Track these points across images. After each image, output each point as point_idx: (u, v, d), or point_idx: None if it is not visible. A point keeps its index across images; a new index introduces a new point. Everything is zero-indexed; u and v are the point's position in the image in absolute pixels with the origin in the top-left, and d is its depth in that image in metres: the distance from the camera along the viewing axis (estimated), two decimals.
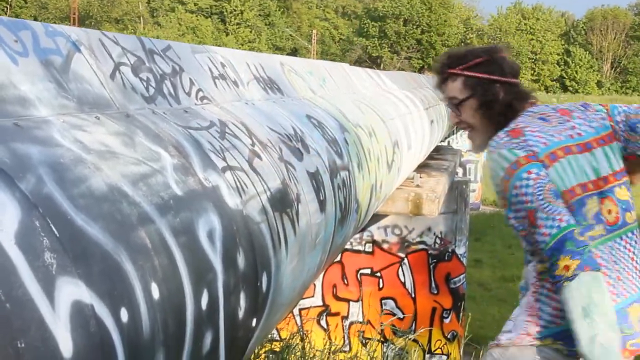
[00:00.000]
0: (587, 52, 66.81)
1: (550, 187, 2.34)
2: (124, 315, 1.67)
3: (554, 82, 66.72)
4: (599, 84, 67.20)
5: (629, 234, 2.53)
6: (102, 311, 1.59)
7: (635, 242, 2.54)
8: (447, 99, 2.65)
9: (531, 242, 2.37)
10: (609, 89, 67.18)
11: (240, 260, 2.40)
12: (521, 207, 2.33)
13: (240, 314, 2.41)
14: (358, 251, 9.38)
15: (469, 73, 2.56)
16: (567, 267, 2.24)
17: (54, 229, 1.55)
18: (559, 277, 2.25)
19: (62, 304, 1.47)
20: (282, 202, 2.96)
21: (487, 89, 2.54)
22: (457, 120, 2.64)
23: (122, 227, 1.80)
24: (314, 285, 9.19)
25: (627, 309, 2.44)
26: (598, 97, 61.06)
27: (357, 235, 9.23)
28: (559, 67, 67.06)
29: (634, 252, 2.52)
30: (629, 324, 2.42)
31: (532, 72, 66.19)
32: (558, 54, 66.89)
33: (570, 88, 65.87)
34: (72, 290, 1.51)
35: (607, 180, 2.49)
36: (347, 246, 9.19)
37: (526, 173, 2.33)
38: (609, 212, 2.49)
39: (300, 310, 8.93)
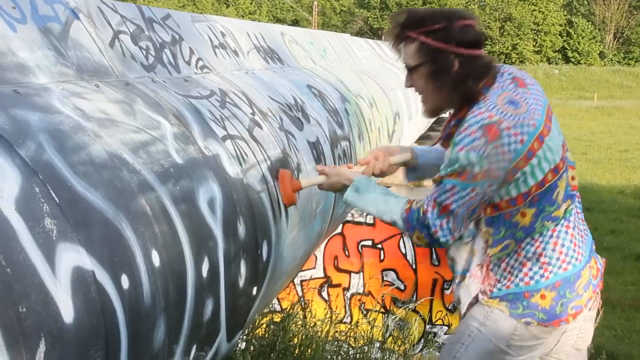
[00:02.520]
0: (590, 23, 66.36)
1: (476, 206, 2.37)
2: (125, 281, 1.68)
3: (556, 54, 66.35)
4: (602, 55, 66.81)
5: (577, 195, 2.64)
6: (103, 277, 1.59)
7: (579, 202, 2.64)
8: (402, 61, 2.51)
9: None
10: (611, 59, 66.79)
11: (241, 229, 2.41)
12: (444, 198, 2.35)
13: (241, 282, 2.42)
14: (359, 223, 9.39)
15: (424, 39, 2.41)
16: (418, 238, 2.44)
17: (54, 195, 1.55)
18: (411, 228, 2.43)
19: (63, 270, 1.47)
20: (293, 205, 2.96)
21: (441, 59, 2.40)
22: (409, 84, 2.52)
23: (122, 194, 1.80)
24: (315, 256, 9.22)
25: (581, 272, 2.52)
26: (600, 68, 60.79)
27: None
28: (561, 38, 66.60)
29: (579, 213, 2.62)
30: (574, 288, 2.50)
31: (534, 43, 65.81)
32: (560, 25, 66.41)
33: (573, 59, 65.51)
34: (73, 256, 1.52)
35: (564, 149, 2.52)
36: (349, 218, 9.20)
37: (471, 189, 2.31)
38: (572, 178, 2.55)
39: (301, 281, 8.97)
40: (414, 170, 2.86)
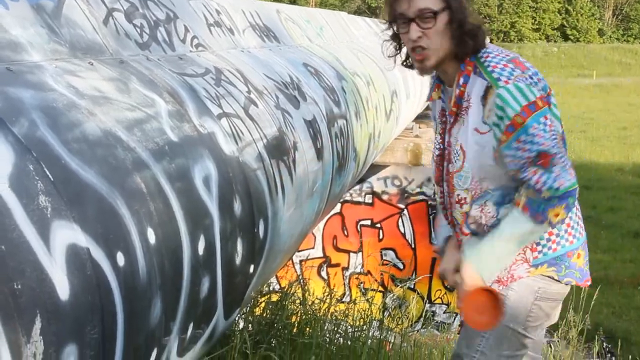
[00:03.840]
0: (589, 0, 66.17)
1: (561, 135, 2.35)
2: (120, 258, 1.68)
3: (555, 31, 66.11)
4: (601, 32, 66.56)
5: None
6: (98, 254, 1.59)
7: None
8: (416, 10, 2.37)
9: (516, 181, 2.37)
10: (610, 37, 66.54)
11: (237, 207, 2.41)
12: (532, 148, 2.28)
13: (238, 259, 2.42)
14: (358, 202, 9.40)
15: None
16: (556, 215, 2.30)
17: (48, 172, 1.55)
18: (543, 214, 2.30)
19: (58, 247, 1.47)
20: (278, 149, 2.96)
21: (462, 5, 2.36)
22: (419, 35, 2.37)
23: (116, 171, 1.80)
24: (314, 236, 9.24)
25: (577, 251, 2.53)
26: (599, 46, 60.58)
27: (357, 187, 9.25)
28: (560, 15, 66.35)
29: None
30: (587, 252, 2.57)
31: (533, 21, 65.53)
32: (559, 2, 66.16)
33: (572, 37, 65.26)
34: (68, 233, 1.52)
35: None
36: (347, 197, 9.21)
37: (543, 117, 2.27)
38: None
39: (300, 261, 8.99)
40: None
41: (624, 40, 66.36)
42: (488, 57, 2.35)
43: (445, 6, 2.36)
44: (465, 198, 2.48)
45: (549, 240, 2.47)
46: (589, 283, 2.58)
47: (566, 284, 2.51)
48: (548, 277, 2.48)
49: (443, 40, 2.38)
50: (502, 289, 2.51)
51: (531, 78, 2.29)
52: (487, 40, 2.49)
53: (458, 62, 2.40)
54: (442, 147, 2.54)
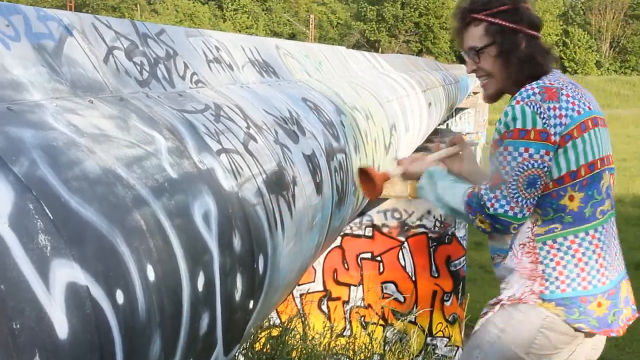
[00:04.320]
0: (586, 33, 66.63)
1: (533, 173, 2.34)
2: (120, 296, 1.68)
3: (553, 63, 66.57)
4: (598, 64, 67.00)
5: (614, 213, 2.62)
6: (98, 293, 1.59)
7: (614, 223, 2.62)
8: (466, 46, 2.58)
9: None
10: (608, 69, 66.98)
11: (237, 242, 2.41)
12: (497, 166, 2.38)
13: (237, 295, 2.42)
14: (358, 235, 9.38)
15: (492, 19, 2.48)
16: (481, 222, 2.42)
17: (47, 211, 1.55)
18: (473, 211, 2.43)
19: (57, 286, 1.48)
20: (278, 184, 2.97)
21: (509, 38, 2.46)
22: (474, 68, 2.58)
23: (116, 209, 1.81)
24: (315, 270, 9.21)
25: (619, 285, 2.51)
26: (597, 78, 60.95)
27: (357, 220, 9.24)
28: (558, 48, 66.86)
29: (615, 232, 2.60)
30: (620, 299, 2.49)
31: None
32: (557, 35, 66.70)
33: (569, 69, 65.71)
34: (67, 272, 1.52)
35: (610, 158, 2.55)
36: (347, 230, 9.20)
37: (524, 149, 2.31)
38: (612, 188, 2.54)
39: (300, 295, 8.96)
40: None
41: (622, 72, 66.79)
42: (539, 81, 2.44)
43: (490, 42, 2.50)
44: None
45: (557, 278, 2.44)
46: (613, 334, 2.51)
47: (577, 329, 2.44)
48: (556, 314, 2.44)
49: (496, 71, 2.52)
50: (509, 307, 2.51)
51: (549, 109, 2.33)
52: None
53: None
54: None
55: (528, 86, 2.39)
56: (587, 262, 2.43)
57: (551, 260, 2.44)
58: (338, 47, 7.67)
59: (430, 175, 2.62)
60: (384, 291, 9.26)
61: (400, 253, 9.37)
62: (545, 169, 2.36)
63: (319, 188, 3.54)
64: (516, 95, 2.39)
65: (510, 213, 2.36)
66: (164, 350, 1.88)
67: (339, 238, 9.01)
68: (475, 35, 2.53)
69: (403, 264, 9.33)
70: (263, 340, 4.10)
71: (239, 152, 2.74)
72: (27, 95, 1.89)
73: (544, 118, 2.32)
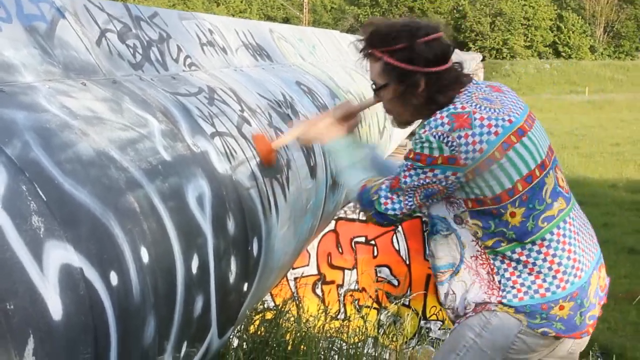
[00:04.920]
0: (580, 17, 66.49)
1: (431, 187, 2.33)
2: (114, 278, 1.68)
3: (547, 48, 66.48)
4: (592, 49, 66.90)
5: (575, 202, 2.55)
6: (92, 274, 1.60)
7: (578, 209, 2.56)
8: (370, 77, 2.50)
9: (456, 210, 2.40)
10: (602, 53, 66.88)
11: (231, 225, 2.41)
12: (399, 172, 2.39)
13: (232, 278, 2.42)
14: (352, 219, 9.40)
15: (388, 59, 2.35)
16: (365, 211, 2.53)
17: (41, 193, 1.55)
18: (361, 199, 2.52)
19: (51, 267, 1.48)
20: (272, 167, 2.97)
21: (406, 79, 2.34)
22: (376, 100, 2.52)
23: (110, 191, 1.80)
24: (309, 253, 9.23)
25: (590, 279, 2.45)
26: (591, 62, 60.89)
27: (351, 204, 9.25)
28: (552, 32, 66.74)
29: (582, 219, 2.54)
30: (587, 297, 2.43)
31: (525, 38, 65.88)
32: (551, 20, 66.51)
33: (563, 54, 65.58)
34: (61, 253, 1.52)
35: (551, 151, 2.47)
36: (341, 214, 9.21)
37: (429, 169, 2.28)
38: (562, 180, 2.47)
39: (295, 278, 8.98)
40: None
41: (616, 56, 66.76)
42: (448, 106, 2.34)
43: (386, 82, 2.42)
44: None
45: (513, 287, 2.39)
46: (583, 336, 2.46)
47: (542, 334, 2.39)
48: (518, 320, 2.39)
49: (398, 107, 2.48)
50: (485, 314, 2.44)
51: (459, 138, 2.23)
52: (486, 83, 2.49)
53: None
54: None
55: (438, 114, 2.29)
56: (539, 271, 2.36)
57: (505, 270, 2.39)
58: (332, 31, 7.65)
59: (328, 152, 2.72)
60: (378, 275, 9.28)
61: (394, 237, 9.38)
62: (449, 186, 2.32)
63: (313, 172, 3.54)
64: (425, 123, 2.31)
65: (399, 215, 2.47)
66: (159, 332, 1.88)
67: (333, 222, 9.02)
68: (374, 71, 2.44)
69: (397, 248, 9.34)
70: (257, 323, 4.11)
71: (233, 136, 2.74)
72: (19, 77, 1.88)
73: (452, 146, 2.23)
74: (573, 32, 66.28)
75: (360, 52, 2.46)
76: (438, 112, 2.31)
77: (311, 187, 3.49)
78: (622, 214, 15.85)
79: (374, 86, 2.49)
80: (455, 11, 70.47)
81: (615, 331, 9.47)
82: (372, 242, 9.38)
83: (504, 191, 2.29)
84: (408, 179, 2.36)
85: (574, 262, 2.40)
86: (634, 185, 18.75)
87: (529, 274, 2.37)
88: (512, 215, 2.32)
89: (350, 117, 2.74)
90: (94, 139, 1.89)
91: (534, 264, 2.36)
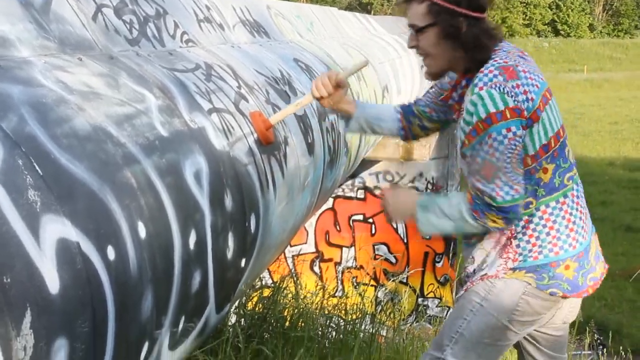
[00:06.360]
0: None
1: (519, 151, 2.33)
2: (111, 253, 1.68)
3: (546, 27, 66.23)
4: (591, 27, 66.68)
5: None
6: (89, 249, 1.60)
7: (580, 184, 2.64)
8: (408, 21, 2.49)
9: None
10: (601, 32, 66.66)
11: (228, 201, 2.41)
12: (483, 157, 2.32)
13: (229, 254, 2.42)
14: (350, 198, 9.41)
15: None
16: (493, 222, 2.39)
17: (37, 167, 1.55)
18: (481, 214, 2.39)
19: (48, 241, 1.48)
20: (269, 144, 2.96)
21: (451, 20, 2.36)
22: (414, 44, 2.50)
23: (107, 166, 1.80)
24: (307, 231, 9.25)
25: (590, 243, 2.54)
26: (590, 41, 60.71)
27: (349, 182, 9.27)
28: (551, 10, 66.48)
29: (582, 192, 2.63)
30: (588, 259, 2.51)
31: (524, 16, 65.64)
32: None
33: (562, 32, 65.35)
34: (58, 227, 1.52)
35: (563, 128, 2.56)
36: (339, 192, 9.22)
37: (506, 130, 2.27)
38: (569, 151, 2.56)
39: (293, 256, 9.00)
40: (348, 121, 2.90)
41: (615, 35, 66.55)
42: (489, 62, 2.37)
43: (430, 23, 2.41)
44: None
45: (531, 250, 2.47)
46: (584, 295, 2.55)
47: (551, 294, 2.48)
48: (527, 282, 2.47)
49: (437, 53, 2.45)
50: (491, 279, 2.52)
51: (513, 88, 2.28)
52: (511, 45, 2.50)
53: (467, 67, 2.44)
54: None
55: (485, 70, 2.34)
56: (558, 229, 2.46)
57: (524, 234, 2.47)
58: (330, 8, 7.61)
59: (424, 206, 2.54)
60: (376, 252, 9.31)
61: None
62: (522, 143, 2.36)
63: (310, 148, 3.54)
64: (476, 81, 2.33)
65: (517, 196, 2.36)
66: (156, 307, 1.89)
67: (331, 200, 9.04)
68: (417, 13, 2.44)
69: (395, 226, 9.37)
70: (255, 299, 4.12)
71: (231, 112, 2.73)
72: (15, 51, 1.87)
73: (512, 96, 2.28)
74: (572, 10, 66.02)
75: None
76: (483, 68, 2.35)
77: (309, 163, 3.49)
78: (619, 192, 15.90)
79: (413, 29, 2.47)
80: None
81: (612, 308, 9.52)
82: (370, 220, 9.40)
83: (541, 146, 2.38)
84: (497, 154, 2.31)
85: (583, 223, 2.52)
86: (631, 164, 18.78)
87: (547, 233, 2.45)
88: (545, 171, 2.42)
89: (339, 86, 2.77)
90: (91, 114, 1.88)
91: (554, 221, 2.45)
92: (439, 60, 2.49)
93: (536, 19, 66.20)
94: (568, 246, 2.47)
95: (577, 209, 2.50)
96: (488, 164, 2.32)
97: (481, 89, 2.30)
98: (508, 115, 2.27)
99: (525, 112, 2.30)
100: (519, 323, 2.53)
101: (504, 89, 2.27)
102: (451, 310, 2.64)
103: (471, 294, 2.57)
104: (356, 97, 5.12)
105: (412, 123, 2.86)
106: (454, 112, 2.65)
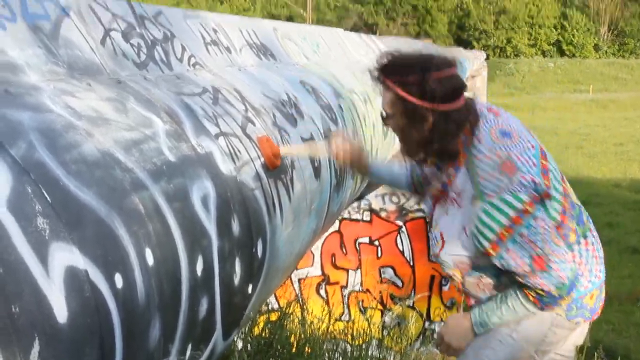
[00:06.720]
0: (584, 15, 66.36)
1: (553, 225, 2.32)
2: (119, 280, 1.67)
3: (551, 47, 66.39)
4: (596, 48, 66.76)
5: None
6: (97, 276, 1.59)
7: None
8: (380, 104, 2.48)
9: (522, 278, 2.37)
10: (606, 52, 66.72)
11: (235, 226, 2.40)
12: (524, 254, 2.29)
13: (236, 280, 2.41)
14: (356, 220, 9.38)
15: (399, 91, 2.32)
16: (565, 302, 2.40)
17: (46, 194, 1.54)
18: (554, 304, 2.39)
19: (56, 269, 1.47)
20: (276, 169, 2.95)
21: (414, 113, 2.31)
22: (386, 125, 2.50)
23: (115, 193, 1.79)
24: (313, 254, 9.22)
25: (590, 293, 2.53)
26: (595, 61, 60.77)
27: (355, 204, 9.25)
28: (556, 31, 66.64)
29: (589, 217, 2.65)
30: (603, 288, 2.56)
31: (529, 36, 65.82)
32: (555, 18, 66.43)
33: (567, 52, 65.48)
34: (66, 255, 1.51)
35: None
36: (345, 215, 9.20)
37: (534, 220, 2.26)
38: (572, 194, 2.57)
39: (299, 279, 8.97)
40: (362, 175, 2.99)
41: (620, 55, 66.64)
42: (479, 159, 2.32)
43: (394, 113, 2.39)
44: (454, 274, 2.54)
45: None
46: (597, 316, 2.59)
47: (577, 323, 2.52)
48: (557, 314, 2.48)
49: (404, 138, 2.44)
50: None
51: (521, 182, 2.26)
52: (481, 103, 2.47)
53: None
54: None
55: (487, 176, 2.29)
56: (588, 260, 2.49)
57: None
58: (336, 29, 7.63)
59: (482, 324, 2.52)
60: (382, 276, 9.27)
61: (399, 237, 9.37)
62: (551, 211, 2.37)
63: (317, 172, 3.53)
64: (481, 189, 2.29)
65: (572, 265, 2.37)
66: (164, 334, 1.87)
67: (337, 222, 9.01)
68: (385, 100, 2.41)
69: (401, 249, 9.33)
70: (262, 324, 4.10)
71: (237, 136, 2.73)
72: (24, 77, 1.87)
73: (523, 191, 2.26)
74: (577, 31, 66.18)
75: (374, 79, 2.44)
76: (483, 173, 2.30)
77: (316, 187, 3.48)
78: (625, 213, 15.81)
79: (383, 114, 2.45)
80: (459, 9, 70.41)
81: (619, 332, 9.45)
82: (376, 242, 9.37)
83: (561, 213, 2.37)
84: (539, 242, 2.28)
85: (601, 251, 2.56)
86: (637, 185, 18.72)
87: (581, 274, 2.45)
88: (573, 231, 2.44)
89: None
90: (99, 139, 1.88)
91: (585, 263, 2.47)
92: (406, 144, 2.46)
93: (541, 39, 66.36)
94: (594, 278, 2.50)
95: (596, 240, 2.53)
96: (536, 257, 2.30)
97: (491, 197, 2.28)
98: (529, 209, 2.27)
99: (538, 195, 2.29)
100: (543, 352, 2.53)
101: (513, 189, 2.26)
102: (474, 340, 2.60)
103: (501, 340, 2.55)
104: (362, 119, 5.12)
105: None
106: (434, 197, 2.56)
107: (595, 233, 2.56)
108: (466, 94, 2.41)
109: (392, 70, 2.37)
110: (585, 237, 2.49)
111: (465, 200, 2.37)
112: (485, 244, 2.32)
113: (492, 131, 2.35)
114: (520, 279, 2.35)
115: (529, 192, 2.26)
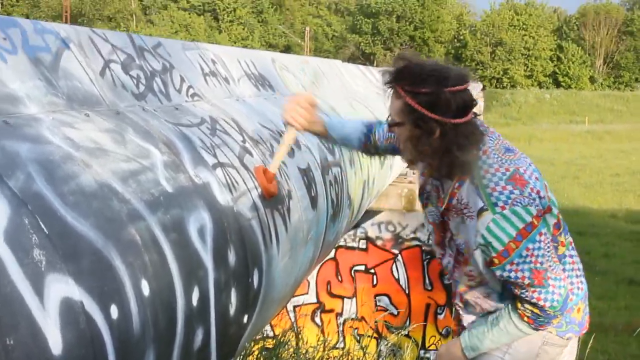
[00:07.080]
0: (580, 48, 66.88)
1: (553, 243, 2.40)
2: (114, 311, 1.67)
3: (547, 78, 66.84)
4: (592, 80, 67.25)
5: None
6: (92, 308, 1.59)
7: None
8: (388, 109, 2.44)
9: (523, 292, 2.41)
10: (601, 84, 67.20)
11: (231, 257, 2.41)
12: (525, 268, 2.32)
13: (232, 310, 2.41)
14: (352, 248, 9.38)
15: (409, 100, 2.28)
16: (557, 321, 2.48)
17: (43, 226, 1.55)
18: (547, 324, 2.47)
19: (52, 301, 1.47)
20: (273, 198, 2.96)
21: (423, 124, 2.28)
22: (390, 132, 2.53)
23: (112, 224, 1.80)
24: (308, 282, 9.21)
25: (576, 307, 2.59)
26: (591, 93, 61.14)
27: (351, 232, 9.25)
28: (552, 62, 67.15)
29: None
30: (587, 301, 2.63)
31: (525, 68, 66.30)
32: (551, 50, 67.00)
33: (563, 84, 65.93)
34: (62, 287, 1.52)
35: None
36: (341, 243, 9.19)
37: (538, 235, 2.30)
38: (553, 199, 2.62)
39: (294, 307, 8.94)
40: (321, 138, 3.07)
41: (615, 87, 67.08)
42: (487, 172, 2.34)
43: (404, 121, 2.35)
44: (474, 277, 2.54)
45: None
46: (585, 331, 2.64)
47: (568, 339, 2.57)
48: (548, 332, 2.54)
49: (408, 148, 2.39)
50: None
51: (530, 195, 2.31)
52: (481, 118, 2.52)
53: None
54: (440, 218, 2.56)
55: (497, 187, 2.31)
56: (569, 274, 2.55)
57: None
58: (334, 60, 7.68)
59: (473, 347, 2.58)
60: (378, 304, 9.25)
61: (394, 266, 9.36)
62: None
63: (314, 202, 3.54)
64: (495, 202, 2.30)
65: (566, 284, 2.43)
66: None
67: (333, 250, 9.00)
68: (394, 107, 2.37)
69: (397, 277, 9.31)
70: (256, 353, 4.08)
71: (235, 166, 2.74)
72: (24, 108, 1.89)
73: (533, 204, 2.30)
74: (573, 63, 66.67)
75: (385, 84, 2.39)
76: (494, 185, 2.32)
77: (312, 217, 3.49)
78: (622, 244, 15.82)
79: (390, 121, 2.43)
80: (456, 40, 70.95)
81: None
82: (372, 270, 9.35)
83: (554, 225, 2.45)
84: (539, 259, 2.33)
85: (580, 263, 2.62)
86: (633, 216, 18.75)
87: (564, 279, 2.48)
88: (562, 244, 2.52)
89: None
90: (97, 170, 1.89)
91: (568, 275, 2.52)
92: (409, 154, 2.43)
93: (537, 71, 66.82)
94: (577, 289, 2.55)
95: (575, 253, 2.59)
96: (535, 271, 2.34)
97: (503, 208, 2.30)
98: (536, 222, 2.30)
99: (542, 209, 2.34)
100: None
101: (524, 201, 2.29)
102: None
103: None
104: None
105: (372, 144, 2.97)
106: (439, 202, 2.55)
107: (573, 245, 2.61)
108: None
109: (405, 79, 2.32)
110: (567, 249, 2.56)
111: (474, 212, 2.39)
112: (492, 254, 2.35)
113: (497, 146, 2.41)
114: (517, 291, 2.40)
115: (536, 205, 2.31)
